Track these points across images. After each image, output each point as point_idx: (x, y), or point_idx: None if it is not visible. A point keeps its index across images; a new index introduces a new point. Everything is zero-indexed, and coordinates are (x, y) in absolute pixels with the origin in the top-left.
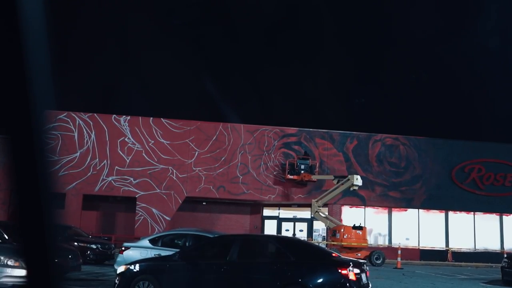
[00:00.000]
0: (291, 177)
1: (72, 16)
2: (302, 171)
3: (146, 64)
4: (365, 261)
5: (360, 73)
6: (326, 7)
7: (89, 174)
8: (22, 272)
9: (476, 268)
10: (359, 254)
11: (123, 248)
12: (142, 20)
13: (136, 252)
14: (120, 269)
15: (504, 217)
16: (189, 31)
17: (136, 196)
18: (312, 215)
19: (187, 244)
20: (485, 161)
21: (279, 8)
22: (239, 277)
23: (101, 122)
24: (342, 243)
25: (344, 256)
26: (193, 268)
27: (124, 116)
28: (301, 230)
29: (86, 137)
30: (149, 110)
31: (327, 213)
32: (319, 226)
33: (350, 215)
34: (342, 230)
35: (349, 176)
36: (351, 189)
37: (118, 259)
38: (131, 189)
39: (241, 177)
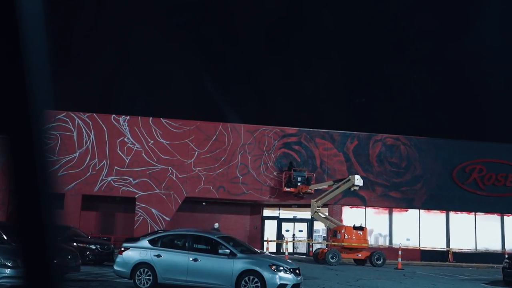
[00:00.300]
0: (288, 189)
1: (71, 15)
2: (299, 183)
3: (146, 64)
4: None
5: (360, 72)
6: (326, 7)
7: (88, 174)
8: (21, 273)
9: (477, 268)
10: (360, 255)
11: (122, 249)
12: (142, 19)
13: (135, 253)
14: None
15: (505, 217)
16: (189, 31)
17: (136, 197)
18: (312, 216)
19: (186, 244)
20: (486, 161)
21: (280, 7)
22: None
23: (101, 122)
24: (343, 244)
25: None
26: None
27: (124, 116)
28: (300, 231)
29: (85, 137)
30: (149, 110)
31: (327, 214)
32: (320, 227)
33: (351, 216)
34: (342, 230)
35: (350, 176)
36: (352, 189)
37: (118, 259)
38: (131, 189)
39: (241, 177)
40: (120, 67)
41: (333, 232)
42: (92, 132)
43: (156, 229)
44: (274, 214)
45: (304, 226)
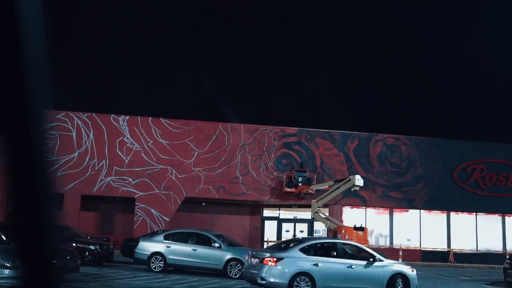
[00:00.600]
0: (289, 190)
1: (70, 15)
2: (300, 184)
3: (145, 63)
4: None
5: (361, 72)
6: (327, 6)
7: (88, 174)
8: (20, 274)
9: (478, 269)
10: None
11: (274, 259)
12: (141, 19)
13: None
14: None
15: (506, 217)
16: (188, 31)
17: (135, 197)
18: (312, 216)
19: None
20: (487, 161)
21: (280, 7)
22: None
23: (100, 122)
24: None
25: None
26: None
27: (123, 115)
28: (301, 231)
29: (85, 137)
30: (148, 109)
31: (327, 214)
32: (320, 227)
33: (351, 216)
34: (343, 231)
35: (350, 176)
36: (352, 189)
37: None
38: (130, 189)
39: (241, 177)
40: (120, 66)
41: (333, 233)
42: (91, 132)
43: (155, 230)
44: (274, 215)
45: (304, 226)
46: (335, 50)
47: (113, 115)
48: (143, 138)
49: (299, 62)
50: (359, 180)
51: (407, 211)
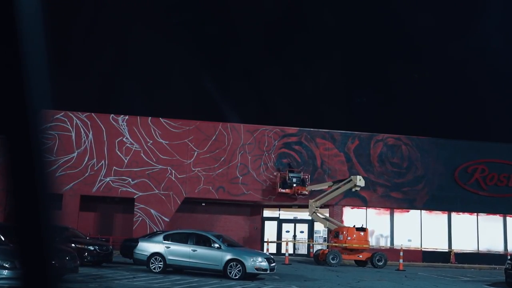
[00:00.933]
0: (283, 190)
1: (69, 14)
2: (295, 185)
3: (145, 63)
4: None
5: (361, 72)
6: (327, 6)
7: (87, 174)
8: (19, 274)
9: (479, 270)
10: (361, 256)
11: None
12: (141, 18)
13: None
14: None
15: (507, 218)
16: (188, 30)
17: (134, 197)
18: (310, 215)
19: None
20: (489, 162)
21: (280, 7)
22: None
23: (99, 122)
24: (345, 245)
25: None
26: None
27: (122, 115)
28: (301, 232)
29: (84, 137)
30: (148, 109)
31: (327, 214)
32: (320, 228)
33: (352, 216)
34: (344, 232)
35: (352, 177)
36: (353, 190)
37: None
38: (129, 189)
39: (241, 177)
40: (119, 66)
41: (334, 233)
42: (91, 132)
43: (155, 230)
44: (274, 215)
45: (305, 227)
46: (335, 49)
47: (112, 115)
48: (143, 138)
49: (299, 62)
50: (360, 181)
51: (408, 211)
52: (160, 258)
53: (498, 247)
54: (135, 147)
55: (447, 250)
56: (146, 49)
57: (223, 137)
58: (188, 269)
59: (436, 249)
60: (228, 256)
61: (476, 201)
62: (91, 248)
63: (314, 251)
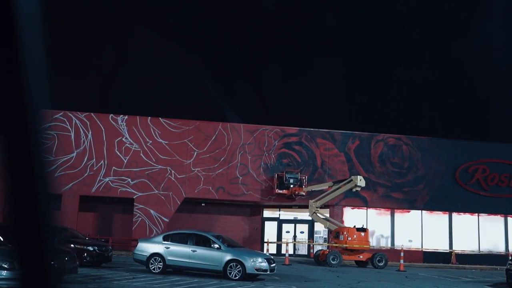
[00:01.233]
0: (281, 191)
1: (68, 14)
2: (292, 185)
3: (144, 63)
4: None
5: (362, 72)
6: (327, 6)
7: (86, 174)
8: (18, 275)
9: (481, 270)
10: (361, 257)
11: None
12: (140, 18)
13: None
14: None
15: (509, 218)
16: (188, 30)
17: (134, 197)
18: (310, 216)
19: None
20: (490, 162)
21: (280, 6)
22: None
23: (98, 122)
24: (345, 245)
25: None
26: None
27: (122, 115)
28: (302, 232)
29: (83, 137)
30: (147, 109)
31: (327, 215)
32: (321, 228)
33: (352, 217)
34: (345, 232)
35: (352, 177)
36: (354, 190)
37: None
38: (129, 190)
39: (241, 177)
40: (118, 66)
41: (335, 234)
42: (90, 132)
43: (154, 231)
44: (275, 215)
45: (305, 227)
46: (336, 49)
47: (111, 114)
48: (142, 138)
49: (299, 62)
50: (361, 181)
51: (409, 211)
52: (159, 259)
53: (499, 248)
54: (135, 147)
55: (448, 251)
56: (145, 49)
57: (223, 137)
58: (188, 269)
59: (437, 249)
60: (228, 257)
61: (477, 202)
62: (90, 248)
63: (315, 252)
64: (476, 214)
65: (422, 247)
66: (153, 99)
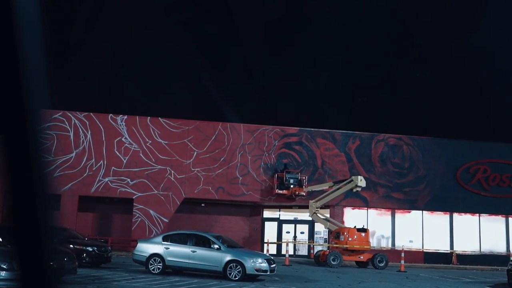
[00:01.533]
0: (280, 191)
1: (68, 13)
2: (292, 186)
3: (144, 63)
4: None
5: (362, 71)
6: (327, 5)
7: (85, 175)
8: (17, 275)
9: (481, 271)
10: (362, 257)
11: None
12: (140, 18)
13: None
14: None
15: (510, 219)
16: (187, 29)
17: (133, 198)
18: (310, 216)
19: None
20: (491, 162)
21: (280, 6)
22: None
23: (97, 122)
24: (346, 246)
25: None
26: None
27: (121, 115)
28: (302, 232)
29: (82, 137)
30: (147, 109)
31: (327, 215)
32: (321, 228)
33: (353, 217)
34: (345, 233)
35: (353, 177)
36: (354, 190)
37: None
38: (128, 190)
39: (241, 178)
40: (118, 65)
41: (335, 234)
42: (89, 132)
43: (154, 231)
44: (275, 216)
45: (305, 227)
46: (336, 48)
47: (111, 114)
48: (142, 138)
49: (299, 61)
50: (361, 181)
51: (409, 212)
52: (159, 259)
53: (500, 248)
54: (134, 147)
55: (449, 251)
56: (145, 49)
57: (223, 137)
58: (188, 270)
59: (438, 250)
60: (228, 257)
61: (478, 202)
62: (90, 249)
63: (315, 252)
64: (477, 214)
65: (422, 247)
66: (152, 99)
